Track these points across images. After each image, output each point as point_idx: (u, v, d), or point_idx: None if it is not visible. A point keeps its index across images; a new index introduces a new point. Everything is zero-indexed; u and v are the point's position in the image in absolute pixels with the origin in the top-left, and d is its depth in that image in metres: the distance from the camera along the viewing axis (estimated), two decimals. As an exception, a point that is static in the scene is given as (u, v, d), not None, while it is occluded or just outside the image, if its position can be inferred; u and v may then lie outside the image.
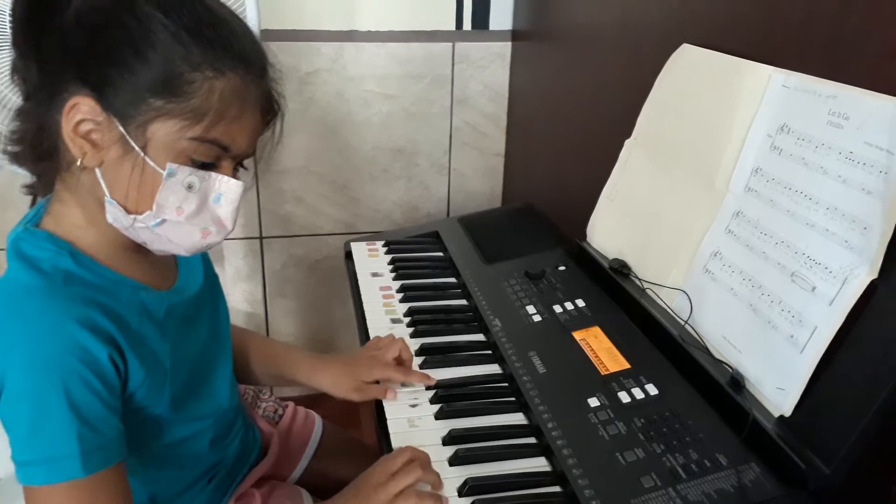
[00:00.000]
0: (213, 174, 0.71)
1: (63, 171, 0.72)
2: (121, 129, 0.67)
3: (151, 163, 0.68)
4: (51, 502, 0.66)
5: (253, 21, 1.31)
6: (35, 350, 0.65)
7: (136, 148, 0.67)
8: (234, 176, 0.73)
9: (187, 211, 0.70)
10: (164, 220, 0.70)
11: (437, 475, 0.79)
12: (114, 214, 0.70)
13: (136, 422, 0.74)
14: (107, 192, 0.70)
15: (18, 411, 0.66)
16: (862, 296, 0.71)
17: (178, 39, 0.66)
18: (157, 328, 0.76)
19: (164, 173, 0.68)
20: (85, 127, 0.67)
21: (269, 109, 0.74)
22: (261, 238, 1.84)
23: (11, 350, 0.65)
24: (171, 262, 0.84)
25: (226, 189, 0.72)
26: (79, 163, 0.68)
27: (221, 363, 0.89)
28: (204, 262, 0.89)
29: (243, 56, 0.69)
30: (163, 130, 0.67)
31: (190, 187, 0.70)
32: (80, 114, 0.67)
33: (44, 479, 0.65)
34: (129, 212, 0.70)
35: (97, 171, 0.69)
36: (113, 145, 0.68)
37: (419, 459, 0.80)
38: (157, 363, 0.75)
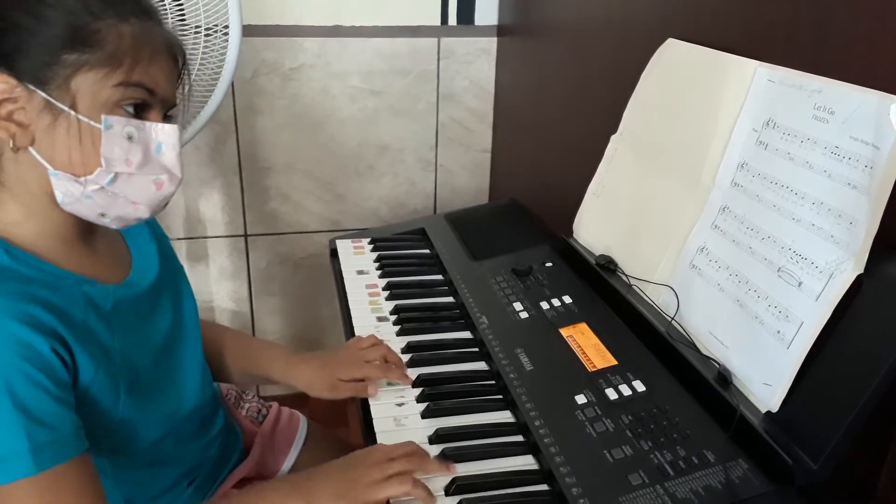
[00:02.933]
0: (148, 123, 0.71)
1: None
2: (42, 94, 0.66)
3: (85, 119, 0.67)
4: (8, 503, 0.64)
5: (235, 17, 1.30)
6: None
7: (65, 108, 0.66)
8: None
9: (135, 161, 0.70)
10: (116, 175, 0.70)
11: (434, 464, 0.78)
12: (63, 187, 0.69)
13: (98, 420, 0.72)
14: (48, 167, 0.68)
15: None
16: (848, 291, 0.71)
17: None
18: (103, 322, 0.74)
19: (102, 126, 0.67)
20: (5, 108, 0.66)
21: (176, 54, 0.74)
22: (245, 236, 1.83)
23: None
24: (123, 255, 0.83)
25: (163, 136, 0.72)
26: (11, 146, 0.67)
27: (188, 358, 0.87)
28: (161, 253, 0.88)
29: (138, 3, 0.71)
30: (86, 83, 0.67)
31: (130, 138, 0.70)
32: None
33: None
34: (77, 177, 0.69)
35: (30, 150, 0.68)
36: (39, 115, 0.67)
37: (419, 453, 0.79)
38: (106, 358, 0.73)
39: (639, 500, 0.71)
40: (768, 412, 0.75)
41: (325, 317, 1.96)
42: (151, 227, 0.89)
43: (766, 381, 0.77)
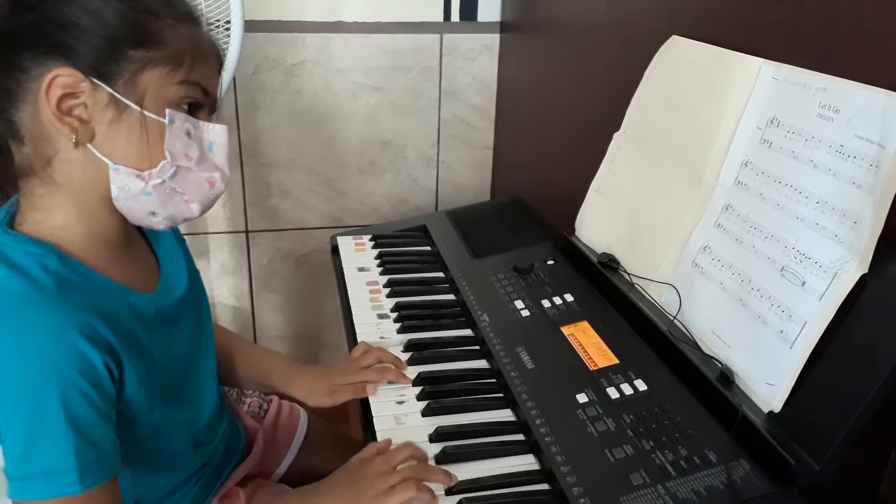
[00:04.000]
0: (201, 122, 0.72)
1: (39, 170, 0.68)
2: (108, 90, 0.66)
3: (151, 114, 0.68)
4: None
5: (237, 12, 1.29)
6: (31, 361, 0.62)
7: (131, 104, 0.67)
8: None
9: (194, 157, 0.72)
10: (177, 170, 0.71)
11: (436, 473, 0.78)
12: (122, 182, 0.69)
13: (134, 429, 0.72)
14: (109, 162, 0.68)
15: (14, 425, 0.63)
16: (852, 291, 0.70)
17: None
18: (147, 332, 0.73)
19: (166, 120, 0.68)
20: (67, 103, 0.65)
21: (219, 56, 0.76)
22: (246, 232, 1.82)
23: (6, 362, 0.62)
24: (152, 263, 0.82)
25: (215, 136, 0.74)
26: (73, 140, 0.66)
27: (206, 365, 0.87)
28: (186, 260, 0.88)
29: (189, 7, 0.73)
30: (153, 79, 0.68)
31: (188, 134, 0.71)
32: (61, 88, 0.64)
33: (39, 495, 0.63)
34: (141, 171, 0.69)
35: (90, 147, 0.67)
36: (103, 111, 0.66)
37: (419, 457, 0.79)
38: (148, 369, 0.72)
39: (640, 499, 0.70)
40: (771, 412, 0.75)
41: (327, 314, 1.96)
42: (175, 232, 0.88)
43: (768, 381, 0.76)
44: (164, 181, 0.70)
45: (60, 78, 0.64)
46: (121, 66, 0.66)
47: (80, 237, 0.71)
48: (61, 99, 0.65)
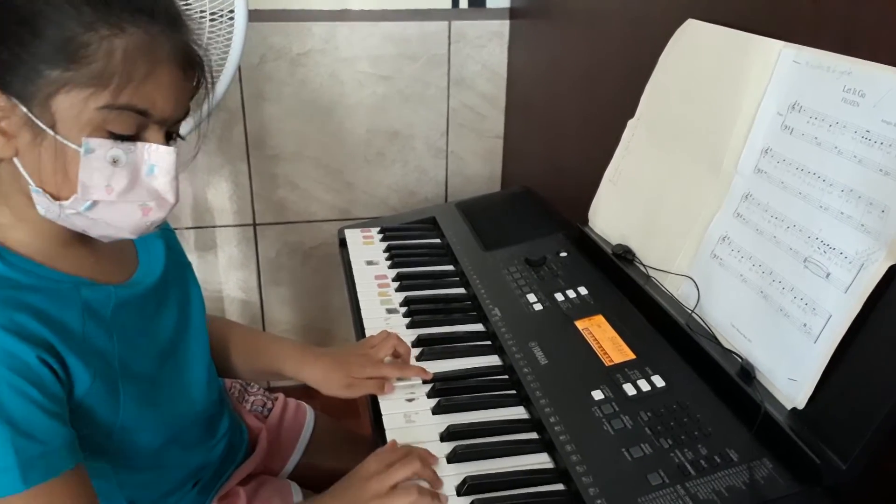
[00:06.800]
0: (140, 144, 0.65)
1: None
2: (24, 110, 0.62)
3: (65, 141, 0.62)
4: None
5: (240, 2, 1.27)
6: None
7: (45, 128, 0.62)
8: (167, 143, 0.68)
9: (118, 188, 0.65)
10: (94, 203, 0.65)
11: (435, 472, 0.76)
12: (44, 205, 0.66)
13: (97, 428, 0.70)
14: (31, 182, 0.64)
15: None
16: (879, 282, 0.67)
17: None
18: (102, 328, 0.71)
19: (81, 150, 0.63)
20: None
21: (189, 63, 0.67)
22: (254, 225, 1.81)
23: None
24: (128, 253, 0.80)
25: (157, 158, 0.66)
26: None
27: (194, 358, 0.84)
28: (168, 249, 0.85)
29: (144, 8, 0.63)
30: (67, 103, 0.61)
31: (115, 161, 0.64)
32: None
33: None
34: (55, 198, 0.65)
35: (15, 161, 0.64)
36: (21, 130, 0.63)
37: (416, 452, 0.77)
38: (104, 364, 0.70)
39: (659, 500, 0.68)
40: (794, 409, 0.73)
41: (335, 307, 1.94)
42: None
43: (791, 377, 0.74)
44: (79, 212, 0.66)
45: None
46: (37, 86, 0.61)
47: (26, 235, 0.69)
48: None
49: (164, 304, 0.81)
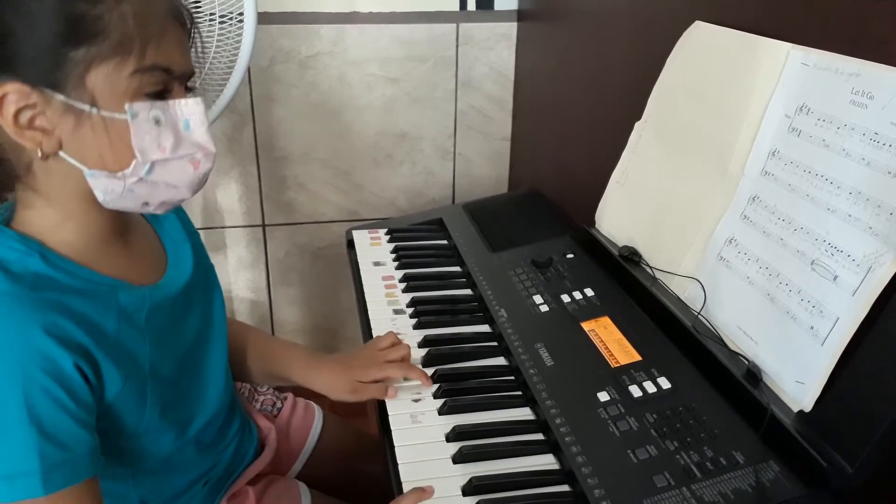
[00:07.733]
0: (171, 101, 0.67)
1: (23, 175, 0.67)
2: (60, 97, 0.62)
3: (108, 113, 0.64)
4: None
5: (250, 5, 1.28)
6: None
7: (86, 108, 0.63)
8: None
9: (167, 145, 0.67)
10: (153, 165, 0.67)
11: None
12: (102, 185, 0.66)
13: (121, 431, 0.71)
14: (83, 168, 0.65)
15: None
16: (887, 285, 0.67)
17: None
18: (136, 331, 0.72)
19: (128, 117, 0.64)
20: (25, 116, 0.63)
21: (183, 18, 0.69)
22: (263, 226, 1.81)
23: None
24: (158, 255, 0.81)
25: (188, 112, 0.68)
26: (39, 155, 0.64)
27: (213, 361, 0.85)
28: (195, 251, 0.85)
29: None
30: (100, 77, 0.63)
31: (157, 121, 0.66)
32: (12, 104, 0.62)
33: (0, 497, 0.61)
34: (114, 172, 0.66)
35: (61, 154, 0.65)
36: (61, 119, 0.63)
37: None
38: (135, 367, 0.71)
39: (664, 502, 0.68)
40: (801, 412, 0.72)
41: (344, 307, 1.95)
42: (184, 224, 0.87)
43: (798, 379, 0.73)
44: (141, 178, 0.67)
45: (9, 95, 0.62)
46: (65, 71, 0.62)
47: (70, 235, 0.69)
48: (18, 113, 0.62)
49: (190, 307, 0.82)
